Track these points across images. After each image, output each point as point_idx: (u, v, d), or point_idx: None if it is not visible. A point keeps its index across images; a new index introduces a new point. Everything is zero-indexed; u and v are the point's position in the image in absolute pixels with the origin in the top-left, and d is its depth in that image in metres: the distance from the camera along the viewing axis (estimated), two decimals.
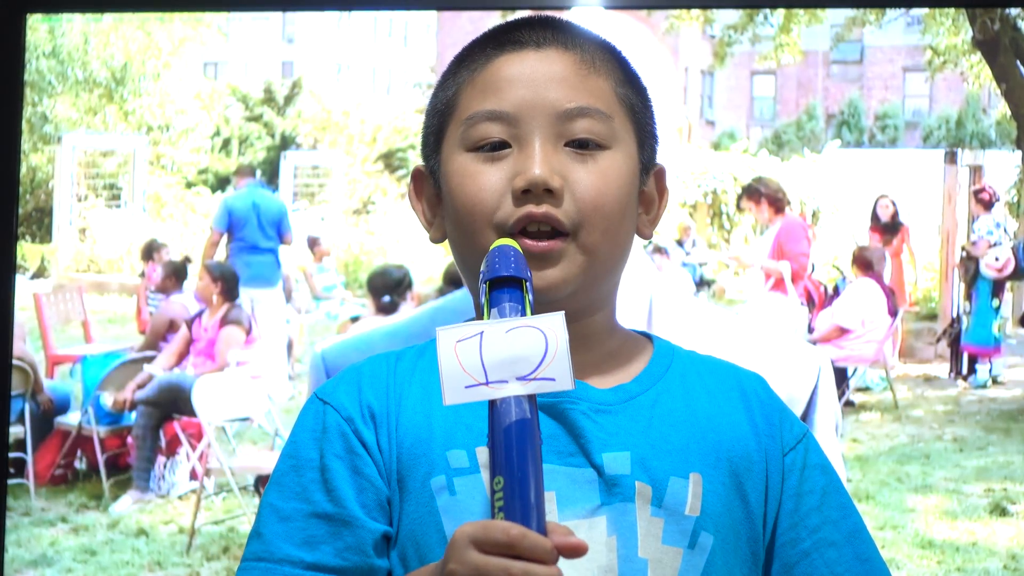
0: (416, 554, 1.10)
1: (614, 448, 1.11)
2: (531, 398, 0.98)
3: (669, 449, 1.12)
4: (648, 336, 1.24)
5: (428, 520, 1.10)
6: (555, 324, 1.00)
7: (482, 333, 1.00)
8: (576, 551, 0.96)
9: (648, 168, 1.23)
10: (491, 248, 1.10)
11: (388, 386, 1.15)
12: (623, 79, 1.21)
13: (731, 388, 1.20)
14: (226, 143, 19.68)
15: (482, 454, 1.10)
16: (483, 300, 1.06)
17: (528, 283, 1.07)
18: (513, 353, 0.99)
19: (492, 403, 0.98)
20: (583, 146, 1.16)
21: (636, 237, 1.23)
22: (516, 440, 0.96)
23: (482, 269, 1.08)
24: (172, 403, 6.21)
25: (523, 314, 1.04)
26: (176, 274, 7.71)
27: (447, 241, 1.22)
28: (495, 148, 1.16)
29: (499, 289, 1.06)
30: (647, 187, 1.23)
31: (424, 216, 1.25)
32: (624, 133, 1.18)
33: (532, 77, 1.17)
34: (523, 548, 0.94)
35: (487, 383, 0.98)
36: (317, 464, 1.13)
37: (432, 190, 1.24)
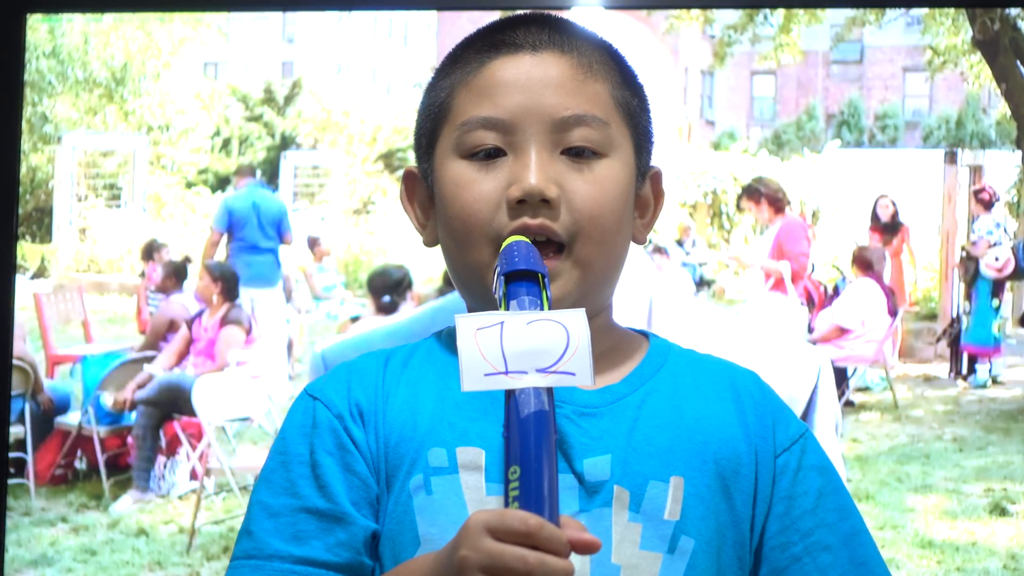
0: (391, 553, 1.09)
1: (596, 452, 1.09)
2: (549, 391, 0.98)
3: (651, 452, 1.10)
4: (646, 335, 1.22)
5: (404, 519, 1.08)
6: (577, 320, 0.99)
7: (503, 323, 0.99)
8: (589, 547, 0.95)
9: (644, 172, 1.21)
10: (505, 243, 1.09)
11: (377, 384, 1.14)
12: (620, 81, 1.18)
13: (724, 388, 1.17)
14: (226, 143, 19.69)
15: (463, 454, 1.08)
16: (500, 293, 1.05)
17: (545, 278, 1.06)
18: (534, 345, 0.98)
19: (510, 393, 0.97)
20: (579, 154, 1.13)
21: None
22: (535, 430, 0.95)
23: (498, 263, 1.07)
24: (172, 403, 6.21)
25: (541, 308, 1.03)
26: (176, 274, 7.71)
27: (440, 247, 1.20)
28: (489, 155, 1.14)
29: (516, 282, 1.05)
30: (643, 191, 1.21)
31: (417, 219, 1.23)
32: (621, 139, 1.16)
33: (528, 83, 1.14)
34: (541, 539, 0.92)
35: (507, 372, 0.97)
36: (306, 459, 1.11)
37: (425, 193, 1.22)
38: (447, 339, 1.18)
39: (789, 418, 1.19)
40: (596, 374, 1.11)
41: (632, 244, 1.21)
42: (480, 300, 1.14)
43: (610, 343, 1.17)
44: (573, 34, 1.18)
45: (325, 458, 1.11)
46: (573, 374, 0.98)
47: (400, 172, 19.54)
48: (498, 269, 1.07)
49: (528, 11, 1.22)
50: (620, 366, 1.16)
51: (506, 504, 0.95)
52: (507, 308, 1.04)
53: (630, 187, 1.17)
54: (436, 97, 1.19)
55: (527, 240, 1.09)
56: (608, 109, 1.16)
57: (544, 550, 0.92)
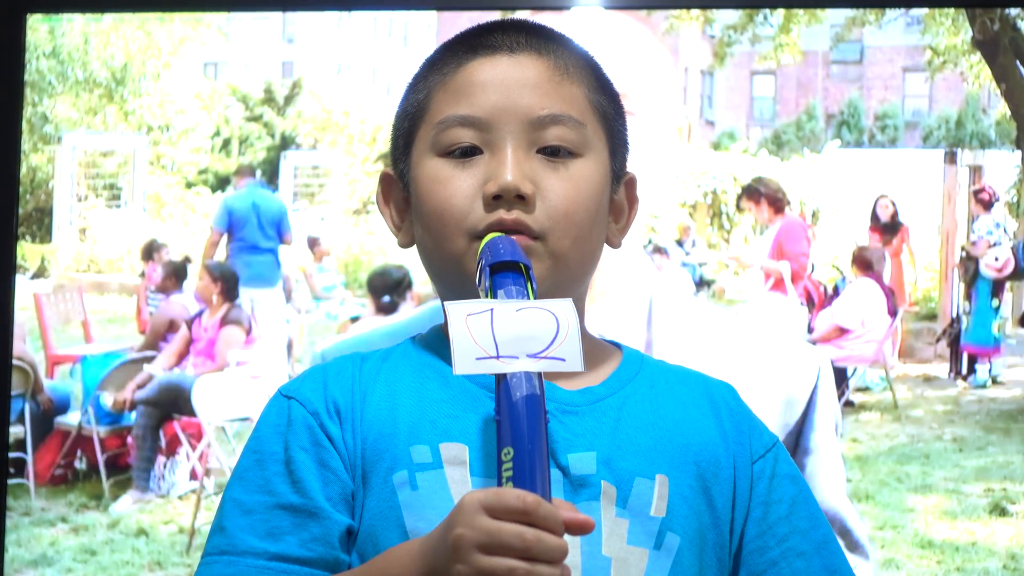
0: (374, 550, 1.09)
1: (580, 448, 1.11)
2: (539, 376, 0.99)
3: (635, 450, 1.12)
4: (617, 345, 1.23)
5: (389, 515, 1.09)
6: (565, 308, 1.02)
7: (492, 309, 1.01)
8: (583, 527, 0.97)
9: (619, 176, 1.22)
10: (486, 239, 1.11)
11: (353, 383, 1.14)
12: (596, 86, 1.20)
13: (700, 396, 1.19)
14: (226, 143, 19.68)
15: (446, 450, 1.09)
16: (485, 285, 1.07)
17: (529, 270, 1.08)
18: (524, 331, 1.00)
19: (500, 377, 0.99)
20: (555, 153, 1.15)
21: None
22: (527, 413, 0.97)
23: (481, 256, 1.09)
24: (172, 403, 6.21)
25: (527, 298, 1.05)
26: (176, 274, 7.71)
27: (416, 246, 1.22)
28: (466, 153, 1.15)
29: (501, 274, 1.07)
30: (617, 196, 1.23)
31: (392, 221, 1.25)
32: (596, 141, 1.18)
33: (505, 82, 1.16)
34: (538, 516, 0.94)
35: (498, 357, 0.99)
36: (281, 457, 1.12)
37: (401, 194, 1.23)
38: (422, 342, 1.20)
39: (762, 427, 1.21)
40: (573, 377, 1.13)
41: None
42: (456, 290, 1.15)
43: (584, 348, 1.17)
44: (550, 38, 1.20)
45: (299, 454, 1.11)
46: (563, 359, 1.00)
47: None
48: (482, 262, 1.08)
49: (508, 18, 1.24)
50: (597, 370, 1.17)
51: (499, 484, 0.96)
52: (495, 298, 1.05)
53: (604, 188, 1.19)
54: (413, 99, 1.21)
55: (507, 235, 1.11)
56: (584, 111, 1.17)
57: (540, 528, 0.94)
